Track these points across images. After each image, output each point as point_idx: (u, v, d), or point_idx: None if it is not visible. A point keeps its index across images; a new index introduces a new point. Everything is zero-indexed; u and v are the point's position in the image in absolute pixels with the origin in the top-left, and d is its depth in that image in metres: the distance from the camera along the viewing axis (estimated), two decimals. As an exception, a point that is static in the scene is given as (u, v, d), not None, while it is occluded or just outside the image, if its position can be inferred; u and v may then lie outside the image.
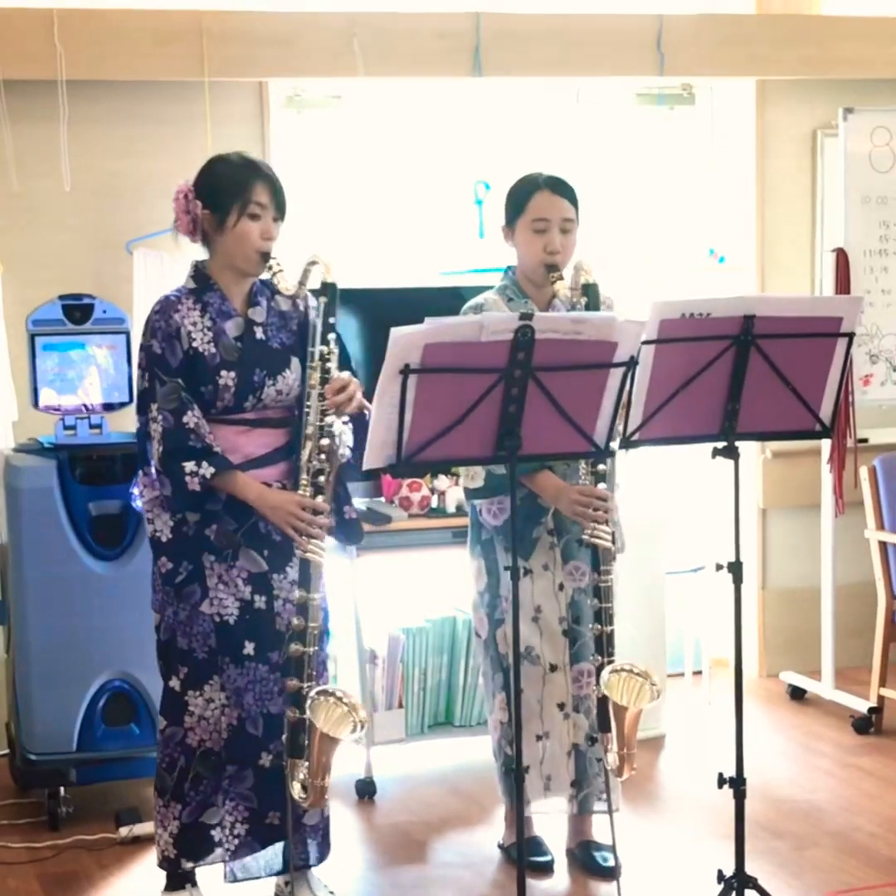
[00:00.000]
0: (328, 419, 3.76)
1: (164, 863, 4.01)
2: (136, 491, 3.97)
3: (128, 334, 4.93)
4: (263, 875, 4.02)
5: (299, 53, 5.43)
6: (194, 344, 3.84)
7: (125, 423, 5.15)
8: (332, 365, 3.78)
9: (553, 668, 4.24)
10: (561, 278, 4.09)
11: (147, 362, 3.85)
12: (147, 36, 5.25)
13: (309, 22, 5.44)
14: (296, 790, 3.70)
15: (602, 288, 4.26)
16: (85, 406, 4.87)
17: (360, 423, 3.96)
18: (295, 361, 3.92)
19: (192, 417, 3.79)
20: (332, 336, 3.78)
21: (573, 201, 4.21)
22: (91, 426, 4.85)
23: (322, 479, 3.77)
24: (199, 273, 3.93)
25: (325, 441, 3.75)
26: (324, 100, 5.84)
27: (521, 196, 4.22)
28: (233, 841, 3.93)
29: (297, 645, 3.72)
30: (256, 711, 3.88)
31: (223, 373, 3.84)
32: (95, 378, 4.87)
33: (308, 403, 3.79)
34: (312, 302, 3.95)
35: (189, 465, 3.76)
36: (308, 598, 3.73)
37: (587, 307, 4.00)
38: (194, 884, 4.05)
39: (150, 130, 5.43)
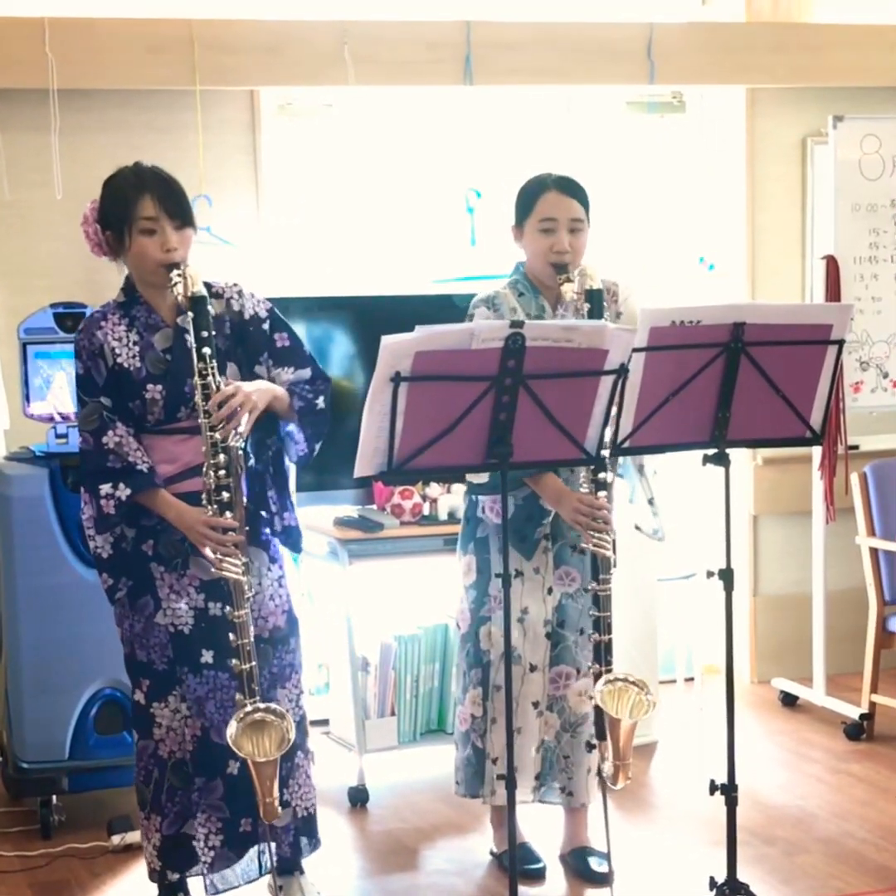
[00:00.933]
0: (218, 435, 3.67)
1: (152, 874, 4.02)
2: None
3: (119, 342, 4.93)
4: (241, 883, 4.00)
5: (290, 62, 5.44)
6: (119, 359, 3.81)
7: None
8: (211, 380, 3.69)
9: (532, 668, 4.26)
10: (569, 280, 4.05)
11: (75, 383, 3.86)
12: (138, 45, 5.26)
13: (300, 31, 5.45)
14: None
15: (620, 279, 4.26)
16: (77, 414, 4.86)
17: (309, 414, 3.90)
18: (231, 366, 3.88)
19: (112, 437, 3.77)
20: (207, 351, 3.68)
21: (583, 201, 4.17)
22: (83, 434, 4.84)
23: (226, 495, 3.69)
24: (128, 285, 3.91)
25: (221, 457, 3.68)
26: (315, 108, 5.85)
27: (529, 196, 4.19)
28: (209, 854, 3.91)
29: (236, 660, 3.69)
30: (220, 720, 3.85)
31: (150, 387, 3.81)
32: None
33: (200, 422, 3.71)
34: (250, 299, 3.92)
35: (105, 488, 3.76)
36: (233, 615, 3.68)
37: (590, 313, 3.96)
38: (187, 893, 4.05)
39: (141, 139, 5.42)
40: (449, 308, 4.36)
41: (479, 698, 4.30)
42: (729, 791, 3.73)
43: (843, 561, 5.98)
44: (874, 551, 5.60)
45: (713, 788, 3.73)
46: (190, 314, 3.70)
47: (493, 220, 5.90)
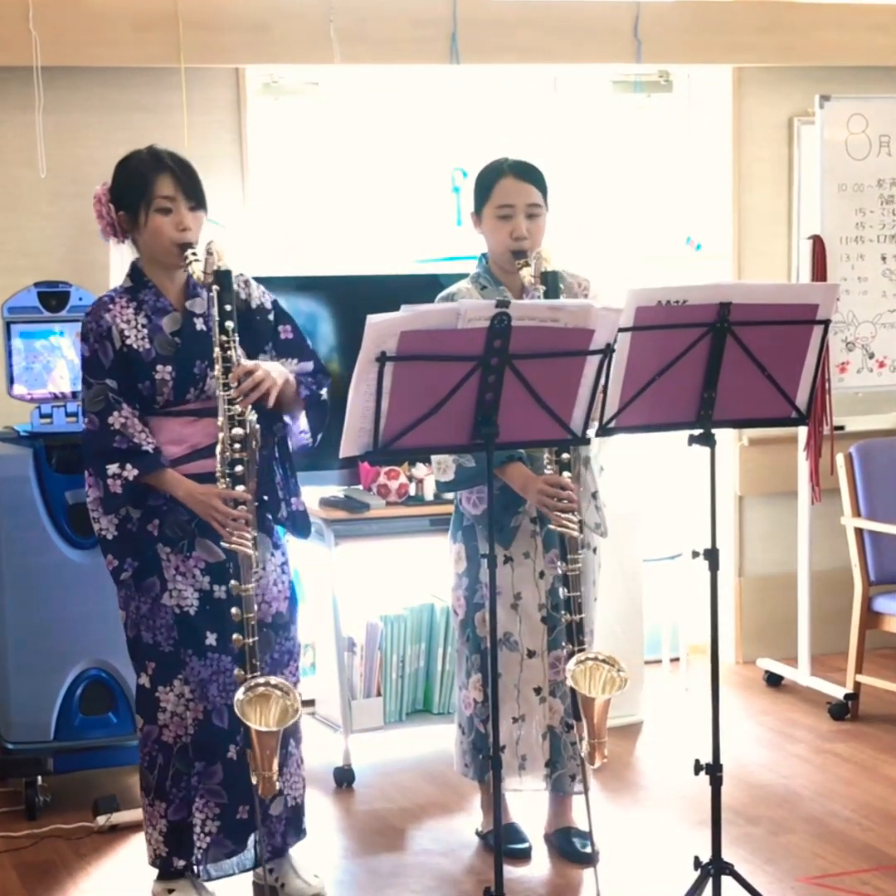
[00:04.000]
0: (236, 408, 3.70)
1: (156, 861, 3.99)
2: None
3: (104, 322, 4.92)
4: (237, 871, 4.00)
5: (275, 40, 5.42)
6: (127, 341, 3.83)
7: (102, 411, 5.14)
8: (233, 353, 3.72)
9: (531, 653, 4.25)
10: (527, 264, 4.05)
11: (80, 366, 3.88)
12: (123, 22, 5.23)
13: (285, 8, 5.42)
14: (254, 779, 3.65)
15: (578, 270, 4.26)
16: (61, 394, 4.85)
17: (314, 404, 3.94)
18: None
19: (118, 418, 3.78)
20: (230, 324, 3.72)
21: (540, 186, 4.17)
22: (67, 414, 4.83)
23: (239, 468, 3.72)
24: (135, 271, 3.93)
25: (237, 431, 3.70)
26: (300, 86, 5.83)
27: (486, 183, 4.19)
28: (205, 840, 3.90)
29: (238, 635, 3.69)
30: (221, 703, 3.85)
31: (159, 368, 3.83)
32: (72, 366, 4.85)
33: (218, 394, 3.74)
34: (256, 289, 3.96)
35: (112, 468, 3.77)
36: (240, 588, 3.69)
37: (545, 295, 3.96)
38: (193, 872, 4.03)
39: (126, 117, 5.40)
40: (435, 287, 4.34)
41: (480, 684, 4.29)
42: (714, 771, 3.73)
43: (828, 541, 5.99)
44: (859, 531, 5.61)
45: (698, 768, 3.73)
46: (215, 287, 3.72)
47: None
